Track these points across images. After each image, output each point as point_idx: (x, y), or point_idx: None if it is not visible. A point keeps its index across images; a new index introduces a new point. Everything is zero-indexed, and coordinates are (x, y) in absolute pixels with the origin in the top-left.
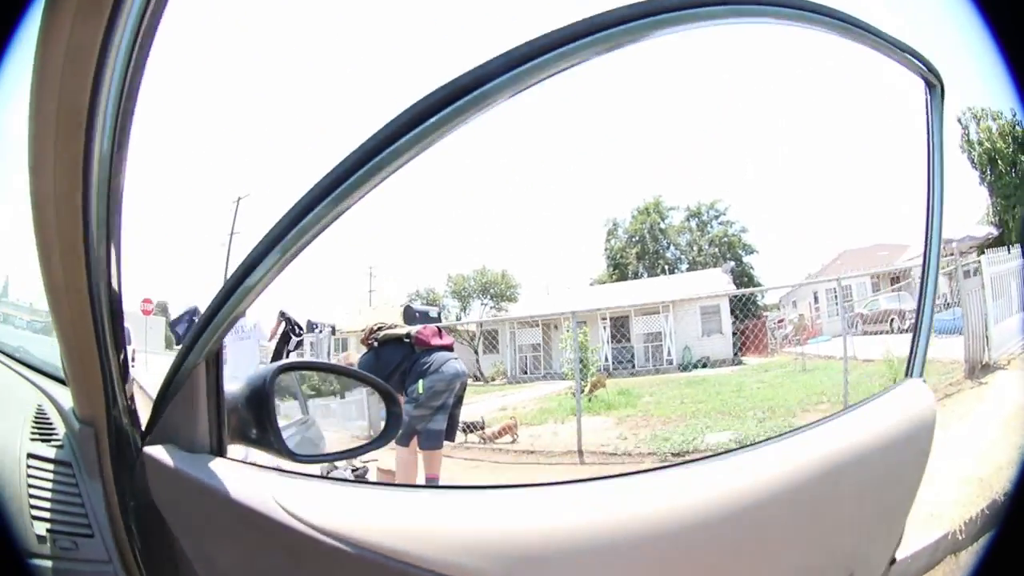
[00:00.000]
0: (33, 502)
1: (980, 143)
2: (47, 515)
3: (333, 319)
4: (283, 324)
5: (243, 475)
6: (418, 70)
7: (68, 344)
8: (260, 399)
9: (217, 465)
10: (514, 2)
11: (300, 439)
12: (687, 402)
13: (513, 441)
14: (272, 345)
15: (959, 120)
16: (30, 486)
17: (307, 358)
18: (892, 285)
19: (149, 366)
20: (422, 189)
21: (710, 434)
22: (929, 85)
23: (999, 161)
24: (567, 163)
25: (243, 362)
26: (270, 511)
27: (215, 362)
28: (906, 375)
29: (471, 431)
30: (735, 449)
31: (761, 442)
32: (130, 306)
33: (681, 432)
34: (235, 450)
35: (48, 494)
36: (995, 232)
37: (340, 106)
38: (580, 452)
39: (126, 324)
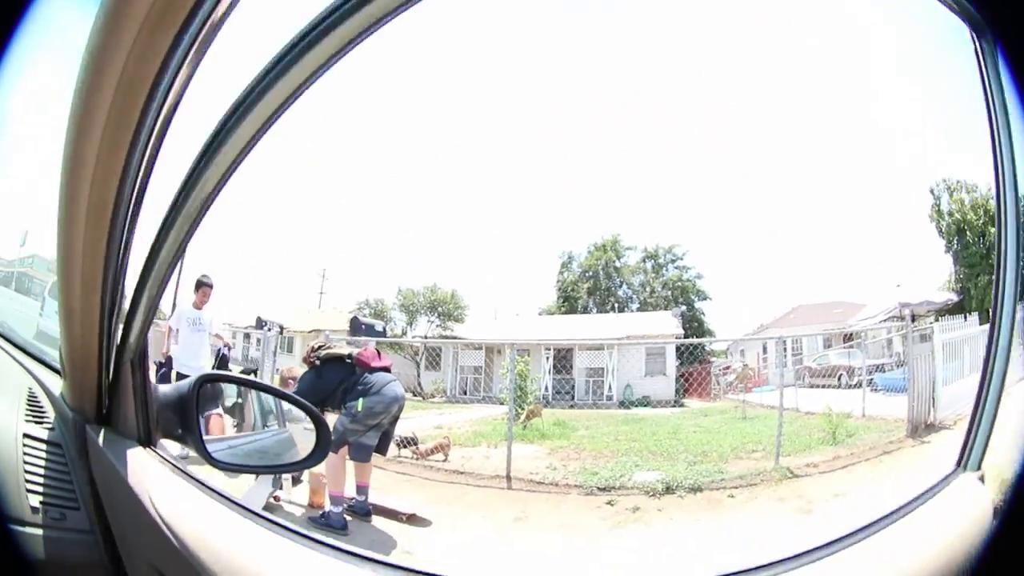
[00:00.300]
0: (28, 478)
1: (950, 214)
2: (40, 489)
3: (282, 318)
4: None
5: (146, 468)
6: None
7: (72, 341)
8: (184, 404)
9: (135, 455)
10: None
11: (261, 445)
12: (621, 439)
13: (445, 460)
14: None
15: (931, 191)
16: (25, 463)
17: (252, 355)
18: (845, 343)
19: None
20: (384, 198)
21: (639, 472)
22: (976, 29)
23: (967, 232)
24: (527, 192)
25: (200, 352)
26: (149, 508)
27: (140, 363)
28: (959, 466)
29: (405, 446)
30: (769, 564)
31: (796, 557)
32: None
33: (611, 468)
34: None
35: (41, 471)
36: (955, 299)
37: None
38: (508, 477)
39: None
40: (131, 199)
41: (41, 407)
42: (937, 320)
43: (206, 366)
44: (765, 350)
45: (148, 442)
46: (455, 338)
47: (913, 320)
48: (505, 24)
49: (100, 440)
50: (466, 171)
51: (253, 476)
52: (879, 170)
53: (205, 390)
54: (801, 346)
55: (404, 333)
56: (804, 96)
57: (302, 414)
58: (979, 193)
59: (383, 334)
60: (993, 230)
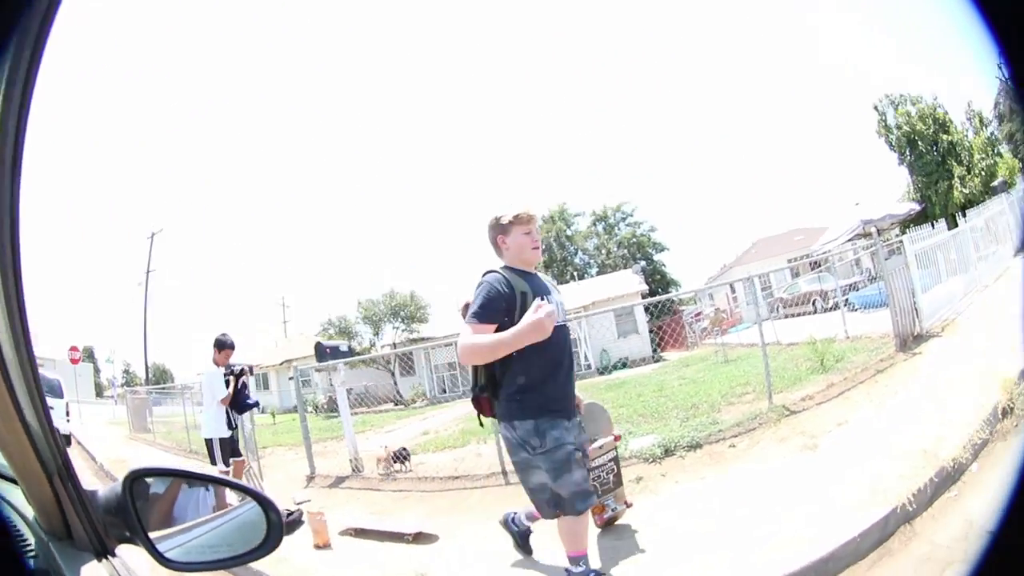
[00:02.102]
0: None
1: (899, 127)
2: None
3: (250, 356)
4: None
5: None
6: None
7: (15, 467)
8: (120, 505)
9: (91, 570)
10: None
11: (221, 532)
12: (609, 407)
13: (406, 470)
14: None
15: (875, 107)
16: None
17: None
18: (813, 269)
19: (83, 417)
20: (325, 214)
21: (633, 439)
22: None
23: (919, 142)
24: (471, 170)
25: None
26: None
27: (65, 468)
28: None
29: (400, 460)
30: None
31: None
32: (58, 353)
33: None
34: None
35: None
36: (917, 208)
37: (254, 138)
38: (504, 472)
39: (56, 375)
40: None
41: (21, 535)
42: (904, 232)
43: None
44: (733, 290)
45: (104, 552)
46: (423, 340)
47: (879, 235)
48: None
49: (69, 560)
50: (400, 161)
51: None
52: (820, 92)
53: (139, 488)
54: (769, 280)
55: (372, 345)
56: (736, 28)
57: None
58: (925, 103)
59: (349, 353)
60: (945, 136)
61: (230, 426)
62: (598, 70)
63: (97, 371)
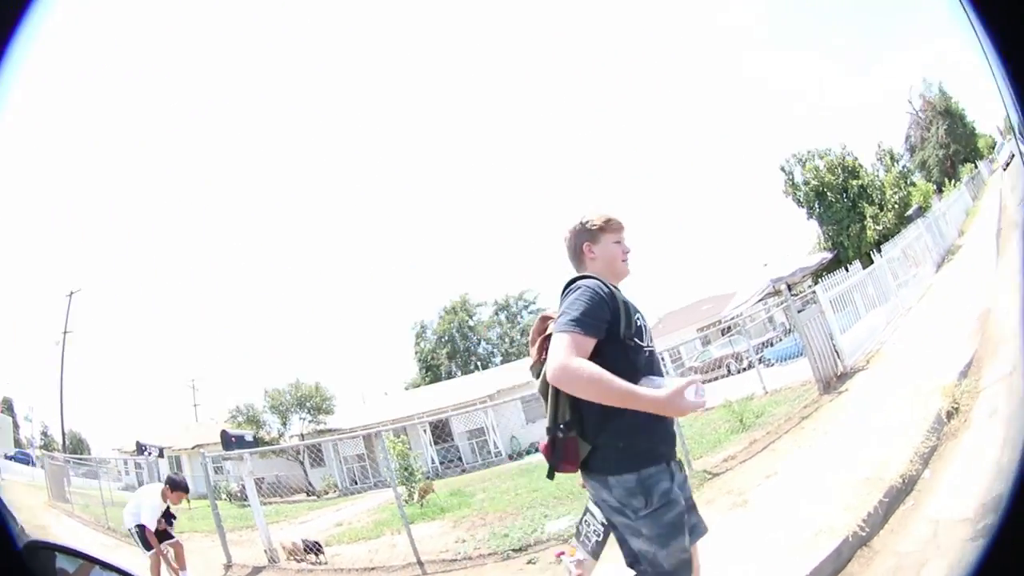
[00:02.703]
0: None
1: (806, 183)
2: None
3: (162, 438)
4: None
5: None
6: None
7: None
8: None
9: None
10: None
11: None
12: (522, 492)
13: (321, 563)
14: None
15: (782, 168)
16: None
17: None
18: (724, 335)
19: (2, 473)
20: (237, 300)
21: (549, 522)
22: None
23: (827, 192)
24: (372, 265)
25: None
26: None
27: None
28: None
29: (314, 553)
30: None
31: None
32: None
33: (519, 525)
34: None
35: None
36: (828, 256)
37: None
38: (420, 563)
39: None
40: None
41: None
42: (817, 282)
43: None
44: None
45: None
46: (330, 431)
47: (790, 289)
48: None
49: None
50: (298, 261)
51: None
52: (721, 160)
53: (40, 560)
54: (679, 353)
55: (280, 436)
56: (628, 91)
57: None
58: (833, 154)
59: (255, 443)
60: (854, 182)
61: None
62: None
63: (16, 427)
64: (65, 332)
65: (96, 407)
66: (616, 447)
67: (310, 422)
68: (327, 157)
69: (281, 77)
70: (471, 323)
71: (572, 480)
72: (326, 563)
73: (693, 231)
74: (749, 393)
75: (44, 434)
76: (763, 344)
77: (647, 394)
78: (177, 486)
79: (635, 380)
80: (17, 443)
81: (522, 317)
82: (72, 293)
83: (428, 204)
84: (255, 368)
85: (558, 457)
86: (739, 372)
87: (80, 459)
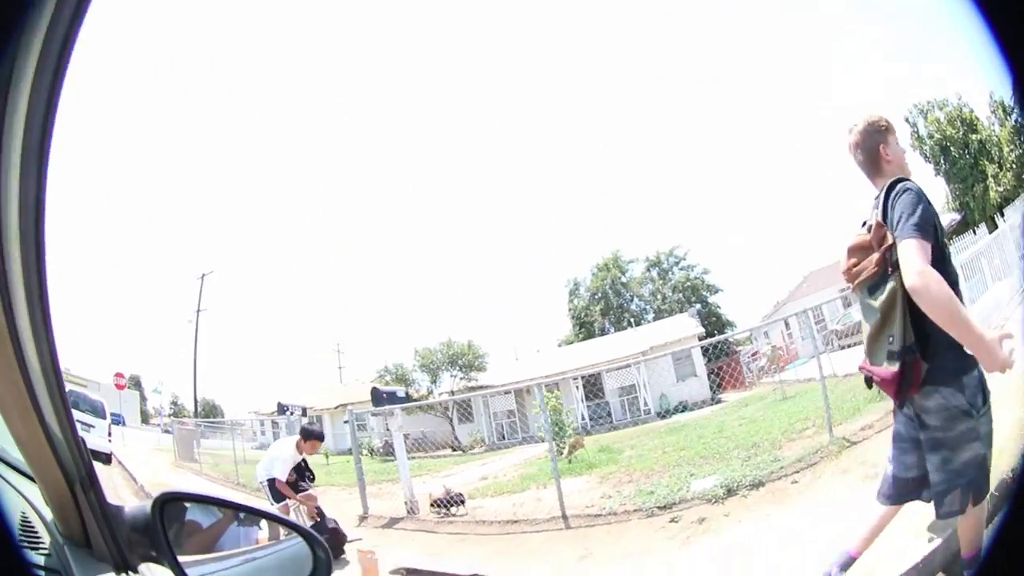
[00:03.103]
0: None
1: (930, 136)
2: None
3: (305, 399)
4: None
5: None
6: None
7: (31, 462)
8: (148, 525)
9: None
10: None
11: (260, 565)
12: (669, 451)
13: (461, 514)
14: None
15: (906, 119)
16: None
17: (280, 440)
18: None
19: (126, 439)
20: (385, 265)
21: (695, 481)
22: None
23: (951, 148)
24: (525, 225)
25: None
26: None
27: (90, 483)
28: None
29: (456, 504)
30: None
31: None
32: (104, 378)
33: (666, 484)
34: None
35: None
36: (957, 217)
37: (306, 182)
38: (564, 517)
39: (99, 397)
40: (19, 263)
41: (36, 533)
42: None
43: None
44: (788, 326)
45: (125, 567)
46: (481, 388)
47: None
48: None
49: (84, 567)
50: (454, 221)
51: None
52: (848, 116)
53: (171, 511)
54: (822, 313)
55: (430, 393)
56: (765, 65)
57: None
58: (951, 106)
59: (406, 399)
60: (974, 136)
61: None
62: (636, 112)
63: (143, 399)
64: (198, 310)
65: (230, 376)
66: (955, 352)
67: (461, 379)
68: (479, 113)
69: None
70: (623, 279)
71: (718, 442)
72: (465, 514)
73: (833, 184)
74: None
75: (174, 403)
76: None
77: (978, 331)
78: (311, 435)
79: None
80: (144, 415)
81: (672, 274)
82: (204, 275)
83: (583, 159)
84: (403, 329)
85: (908, 384)
86: None
87: (212, 422)
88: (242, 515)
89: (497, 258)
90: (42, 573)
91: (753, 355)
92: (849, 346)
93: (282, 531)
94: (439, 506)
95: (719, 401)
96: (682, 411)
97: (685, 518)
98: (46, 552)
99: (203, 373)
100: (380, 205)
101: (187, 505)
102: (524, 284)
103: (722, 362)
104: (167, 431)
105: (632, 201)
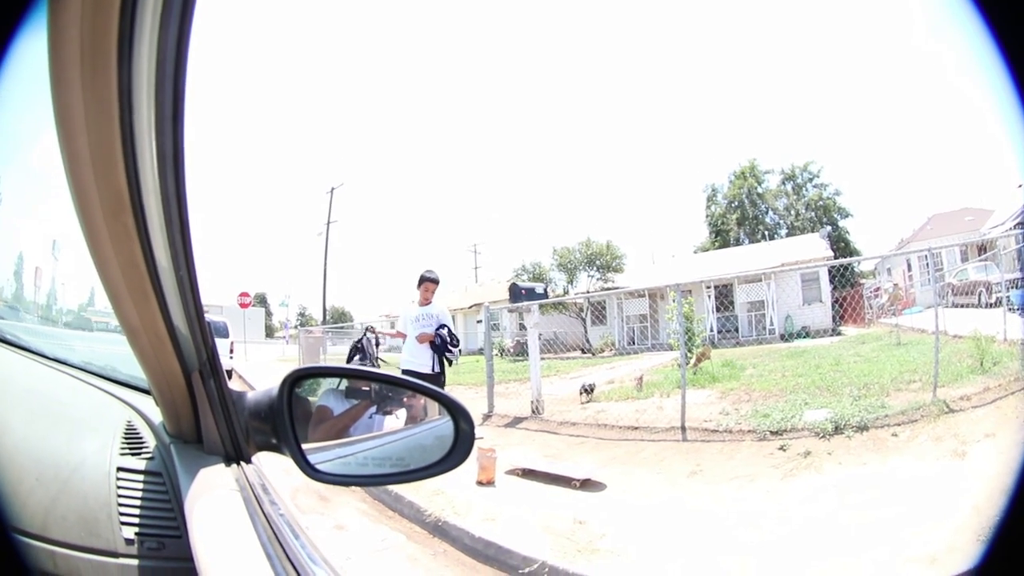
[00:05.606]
0: (122, 510)
1: None
2: (135, 520)
3: (447, 300)
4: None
5: (231, 489)
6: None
7: (145, 360)
8: (274, 409)
9: (220, 474)
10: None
11: (381, 451)
12: (788, 375)
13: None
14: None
15: None
16: (119, 496)
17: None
18: (980, 254)
19: (248, 355)
20: (522, 167)
21: (808, 411)
22: None
23: None
24: (662, 127)
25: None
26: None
27: (211, 371)
28: None
29: (587, 392)
30: None
31: None
32: (228, 301)
33: (780, 409)
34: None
35: (137, 502)
36: None
37: (433, 103)
38: (683, 428)
39: (223, 319)
40: (159, 191)
41: (140, 438)
42: None
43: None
44: (909, 267)
45: (239, 458)
46: (616, 288)
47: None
48: None
49: (191, 463)
50: (599, 116)
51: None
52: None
53: (299, 390)
54: (941, 260)
55: (565, 292)
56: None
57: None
58: None
59: (544, 295)
60: None
61: (433, 368)
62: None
63: (269, 315)
64: (328, 223)
65: (359, 286)
66: None
67: (598, 279)
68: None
69: None
70: (759, 190)
71: (833, 375)
72: (588, 401)
73: (957, 131)
74: (993, 333)
75: (301, 314)
76: (1011, 283)
77: None
78: (424, 279)
79: None
80: (268, 329)
81: (807, 190)
82: (333, 189)
83: (727, 64)
84: (538, 231)
85: None
86: (987, 306)
87: (340, 327)
88: (376, 403)
89: (638, 160)
90: (140, 476)
91: (875, 291)
92: (963, 305)
93: (422, 414)
94: (586, 392)
95: (839, 333)
96: (804, 336)
97: (792, 448)
98: (148, 456)
99: (332, 283)
100: (525, 106)
101: (312, 399)
102: (664, 187)
103: (846, 292)
104: (292, 342)
105: (771, 112)
